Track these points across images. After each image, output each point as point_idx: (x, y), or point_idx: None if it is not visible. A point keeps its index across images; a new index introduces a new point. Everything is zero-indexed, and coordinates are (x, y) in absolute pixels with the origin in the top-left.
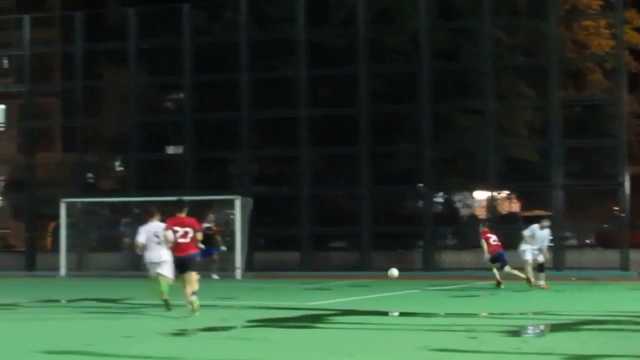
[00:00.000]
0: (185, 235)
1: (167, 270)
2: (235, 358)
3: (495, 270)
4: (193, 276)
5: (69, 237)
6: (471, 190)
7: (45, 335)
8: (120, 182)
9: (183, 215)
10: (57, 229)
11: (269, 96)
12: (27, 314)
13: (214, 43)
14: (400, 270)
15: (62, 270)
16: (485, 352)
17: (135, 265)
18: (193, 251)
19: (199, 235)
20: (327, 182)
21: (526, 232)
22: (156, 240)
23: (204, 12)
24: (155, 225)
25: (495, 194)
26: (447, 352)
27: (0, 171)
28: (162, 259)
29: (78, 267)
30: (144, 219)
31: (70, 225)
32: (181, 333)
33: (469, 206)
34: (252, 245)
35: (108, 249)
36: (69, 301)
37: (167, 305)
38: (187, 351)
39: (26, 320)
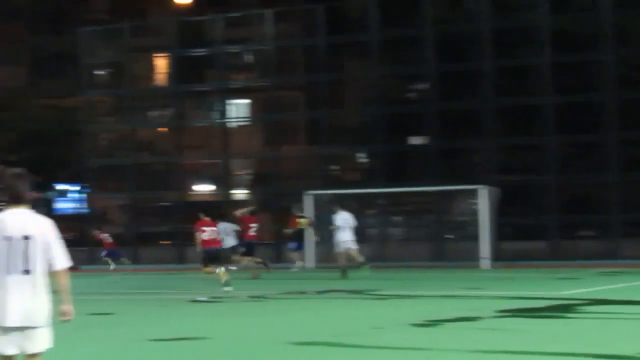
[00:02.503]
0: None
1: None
2: (484, 348)
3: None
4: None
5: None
6: None
7: (292, 326)
8: (364, 173)
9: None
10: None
11: (513, 84)
12: (274, 306)
13: (456, 32)
14: None
15: (310, 263)
16: None
17: (381, 257)
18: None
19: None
20: (574, 169)
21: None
22: (348, 225)
23: (445, 1)
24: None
25: None
26: None
27: (246, 165)
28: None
29: (325, 260)
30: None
31: (315, 218)
32: (430, 323)
33: None
34: (499, 235)
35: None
36: (317, 292)
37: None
38: (436, 341)
39: (274, 312)
